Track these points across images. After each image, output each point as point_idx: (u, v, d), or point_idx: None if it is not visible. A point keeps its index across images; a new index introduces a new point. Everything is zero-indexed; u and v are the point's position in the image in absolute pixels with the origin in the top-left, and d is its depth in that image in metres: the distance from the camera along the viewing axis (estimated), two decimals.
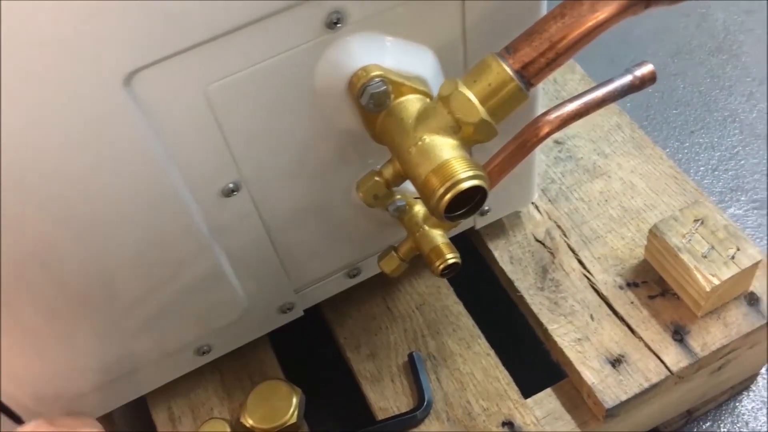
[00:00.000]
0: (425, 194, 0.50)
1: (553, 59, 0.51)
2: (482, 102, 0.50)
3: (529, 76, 0.51)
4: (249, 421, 0.69)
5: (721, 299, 0.71)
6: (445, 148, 0.50)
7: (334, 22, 0.49)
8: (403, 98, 0.53)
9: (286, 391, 0.70)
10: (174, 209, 0.53)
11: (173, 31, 0.44)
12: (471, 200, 0.51)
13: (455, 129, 0.51)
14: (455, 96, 0.50)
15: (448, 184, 0.49)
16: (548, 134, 0.60)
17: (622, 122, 0.88)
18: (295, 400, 0.70)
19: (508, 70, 0.50)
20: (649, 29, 1.24)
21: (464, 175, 0.49)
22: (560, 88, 0.92)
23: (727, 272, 0.68)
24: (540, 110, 0.63)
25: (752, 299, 0.73)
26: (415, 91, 0.53)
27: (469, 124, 0.50)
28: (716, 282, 0.68)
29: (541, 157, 0.86)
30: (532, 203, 0.82)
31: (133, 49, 0.43)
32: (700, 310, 0.71)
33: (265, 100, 0.51)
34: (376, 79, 0.51)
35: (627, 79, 0.61)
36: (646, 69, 0.62)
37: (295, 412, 0.69)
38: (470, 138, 0.51)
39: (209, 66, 0.47)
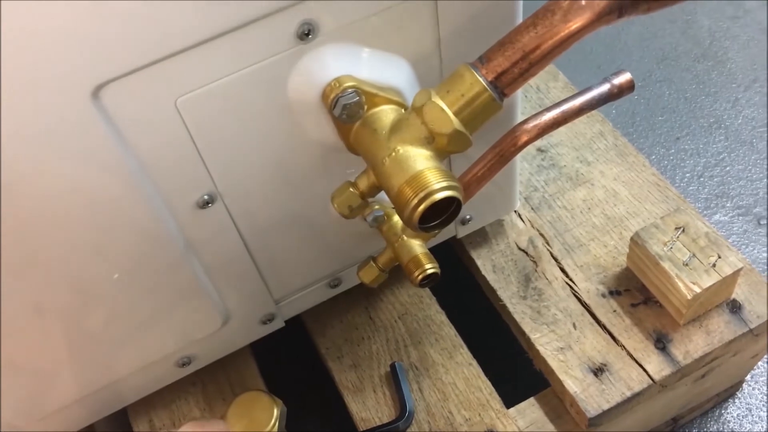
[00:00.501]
0: (399, 205, 0.50)
1: (526, 69, 0.51)
2: (456, 113, 0.50)
3: (502, 86, 0.51)
4: None
5: (702, 307, 0.71)
6: (418, 159, 0.50)
7: (305, 33, 0.49)
8: (377, 109, 0.53)
9: (267, 403, 0.70)
10: (148, 222, 0.53)
11: (142, 43, 0.44)
12: (445, 211, 0.51)
13: (429, 140, 0.51)
14: (428, 107, 0.50)
15: (421, 195, 0.49)
16: (526, 143, 0.60)
17: (605, 130, 0.88)
18: (276, 412, 0.69)
19: (481, 80, 0.50)
20: (635, 36, 1.24)
21: (438, 185, 0.49)
22: (543, 96, 0.92)
23: (708, 280, 0.68)
24: (520, 118, 0.63)
25: (734, 307, 0.73)
26: (390, 101, 0.53)
27: (443, 135, 0.50)
28: (697, 290, 0.68)
29: (524, 165, 0.86)
30: (515, 211, 0.82)
31: (101, 62, 0.43)
32: (682, 318, 0.70)
33: (238, 112, 0.51)
34: (349, 90, 0.51)
35: (605, 87, 0.61)
36: (623, 78, 0.62)
37: (276, 424, 0.69)
38: (444, 149, 0.51)
39: (180, 78, 0.47)
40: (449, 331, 0.76)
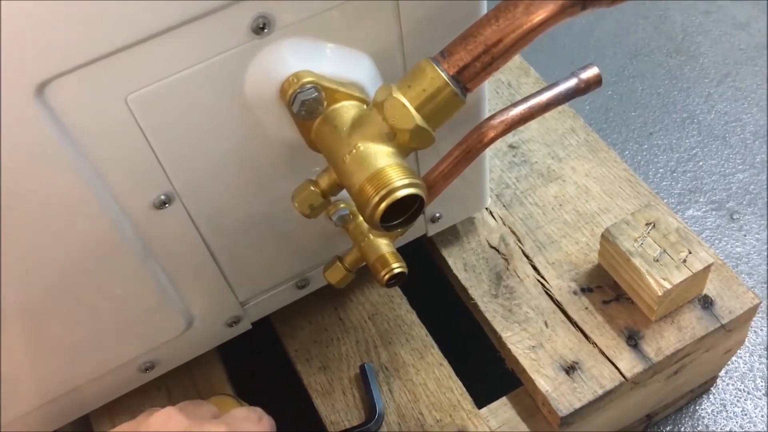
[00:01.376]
0: (360, 203, 0.49)
1: (489, 63, 0.49)
2: (418, 108, 0.49)
3: (464, 80, 0.49)
4: None
5: (674, 303, 0.70)
6: (380, 155, 0.49)
7: (260, 27, 0.47)
8: (337, 105, 0.51)
9: (234, 407, 0.68)
10: (101, 224, 0.51)
11: (89, 37, 0.42)
12: (409, 209, 0.50)
13: (390, 136, 0.49)
14: (389, 102, 0.49)
15: (383, 192, 0.47)
16: (493, 139, 0.59)
17: (576, 126, 0.87)
18: None
19: (443, 75, 0.48)
20: (608, 31, 1.24)
21: (399, 183, 0.47)
22: (515, 92, 0.91)
23: (679, 276, 0.68)
24: (488, 114, 0.62)
25: (706, 302, 0.72)
26: (351, 97, 0.52)
27: (405, 131, 0.49)
28: (668, 286, 0.67)
29: (495, 162, 0.85)
30: (486, 209, 0.81)
31: (45, 57, 0.41)
32: (654, 314, 0.70)
33: (193, 109, 0.49)
34: (308, 86, 0.49)
35: (572, 82, 0.60)
36: (591, 72, 0.61)
37: None
38: (406, 145, 0.50)
39: (129, 74, 0.45)
40: (420, 331, 0.75)
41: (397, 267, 0.61)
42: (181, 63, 0.46)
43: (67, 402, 0.66)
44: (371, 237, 0.62)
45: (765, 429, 0.85)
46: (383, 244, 0.62)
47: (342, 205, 0.61)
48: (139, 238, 0.55)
